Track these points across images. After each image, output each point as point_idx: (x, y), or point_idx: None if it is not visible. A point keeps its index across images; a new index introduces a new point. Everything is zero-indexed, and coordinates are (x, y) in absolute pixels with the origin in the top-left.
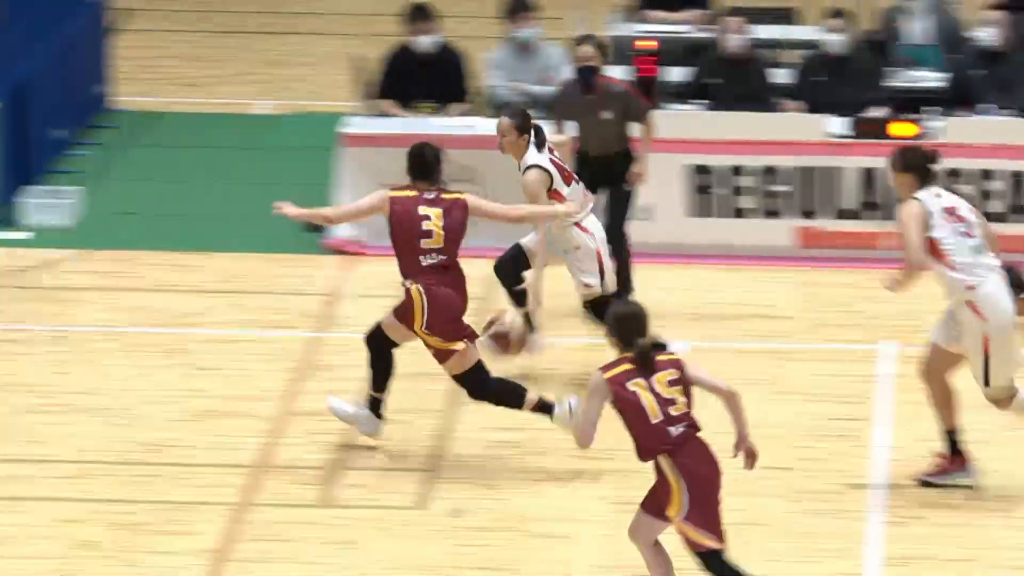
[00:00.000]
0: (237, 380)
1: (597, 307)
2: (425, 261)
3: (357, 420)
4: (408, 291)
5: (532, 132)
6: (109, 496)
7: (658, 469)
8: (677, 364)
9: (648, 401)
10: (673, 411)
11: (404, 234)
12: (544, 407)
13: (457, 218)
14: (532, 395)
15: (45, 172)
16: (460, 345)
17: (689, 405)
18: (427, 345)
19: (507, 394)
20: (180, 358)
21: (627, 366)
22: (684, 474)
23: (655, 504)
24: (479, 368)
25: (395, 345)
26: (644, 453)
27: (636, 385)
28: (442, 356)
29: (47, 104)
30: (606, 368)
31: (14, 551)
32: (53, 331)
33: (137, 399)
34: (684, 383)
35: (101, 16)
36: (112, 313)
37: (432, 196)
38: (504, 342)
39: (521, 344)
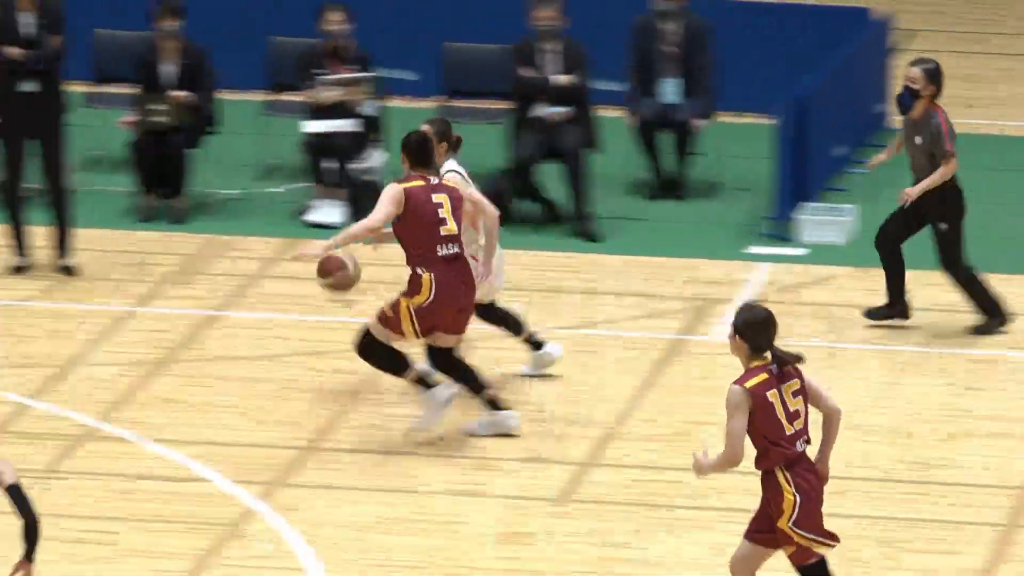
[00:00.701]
0: (1006, 399)
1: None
2: (442, 251)
3: None
4: (420, 277)
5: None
6: (867, 513)
7: (771, 480)
8: (800, 374)
9: (780, 412)
10: (797, 424)
11: (424, 225)
12: (423, 382)
13: (458, 205)
14: (415, 368)
15: (822, 189)
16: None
17: (807, 418)
18: (396, 314)
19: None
20: (946, 377)
21: (763, 375)
22: (798, 485)
23: (764, 522)
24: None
25: None
26: (766, 462)
27: (773, 396)
28: (390, 321)
29: (826, 121)
30: (744, 379)
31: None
32: (825, 347)
33: (902, 417)
34: (804, 394)
35: (885, 35)
36: (879, 331)
37: (436, 182)
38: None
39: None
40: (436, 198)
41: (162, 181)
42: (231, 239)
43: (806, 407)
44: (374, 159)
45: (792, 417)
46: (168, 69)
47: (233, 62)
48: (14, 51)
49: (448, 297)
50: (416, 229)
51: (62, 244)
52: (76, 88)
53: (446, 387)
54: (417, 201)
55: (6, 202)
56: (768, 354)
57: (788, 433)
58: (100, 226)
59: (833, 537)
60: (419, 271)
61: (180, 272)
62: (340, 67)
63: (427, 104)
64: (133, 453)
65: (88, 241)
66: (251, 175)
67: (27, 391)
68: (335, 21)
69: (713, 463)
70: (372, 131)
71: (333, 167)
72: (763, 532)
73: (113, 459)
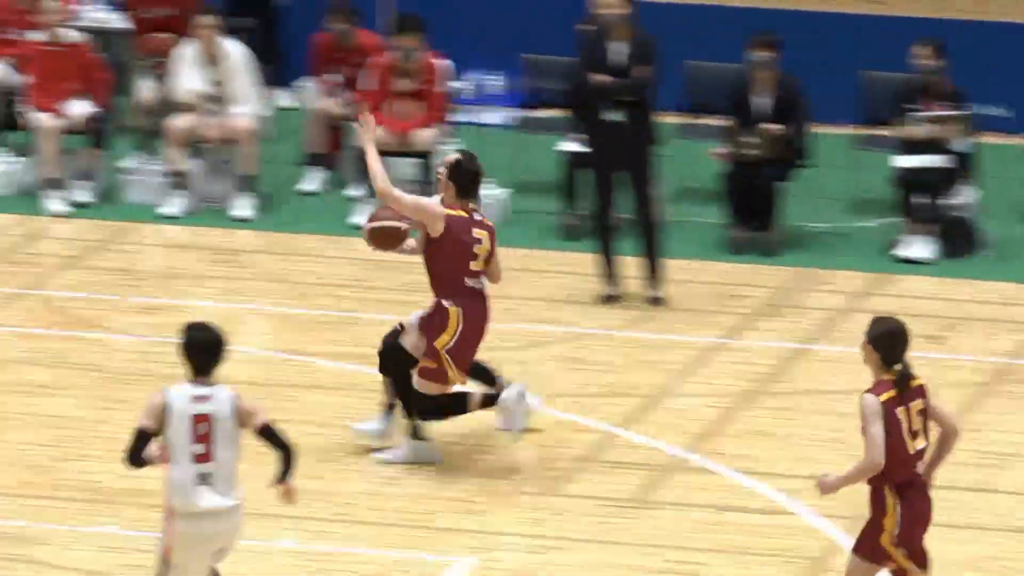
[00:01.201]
0: None
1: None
2: (469, 283)
3: None
4: (447, 310)
5: None
6: None
7: (879, 497)
8: (924, 393)
9: (905, 430)
10: (918, 443)
11: (457, 256)
12: (488, 401)
13: (494, 241)
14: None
15: None
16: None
17: (928, 438)
18: (438, 363)
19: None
20: None
21: (893, 392)
22: (906, 507)
23: (871, 536)
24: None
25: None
26: (880, 479)
27: (901, 413)
28: (435, 373)
29: None
30: (877, 391)
31: None
32: None
33: None
34: (926, 414)
35: None
36: None
37: (479, 218)
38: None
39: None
40: (477, 233)
41: (753, 213)
42: (821, 272)
43: (926, 427)
44: (965, 195)
45: (914, 436)
46: (761, 101)
47: (825, 95)
48: (603, 79)
49: (474, 331)
50: (449, 258)
51: (652, 275)
52: (669, 119)
53: (511, 388)
54: (457, 231)
55: (597, 232)
56: (898, 367)
57: (910, 452)
58: (690, 257)
59: (926, 564)
60: (445, 303)
61: (769, 304)
62: (933, 103)
63: (1020, 140)
64: (720, 484)
65: (678, 272)
66: (841, 209)
67: (617, 420)
68: (925, 56)
69: (845, 476)
70: (964, 168)
71: (924, 202)
72: (868, 547)
73: (700, 490)
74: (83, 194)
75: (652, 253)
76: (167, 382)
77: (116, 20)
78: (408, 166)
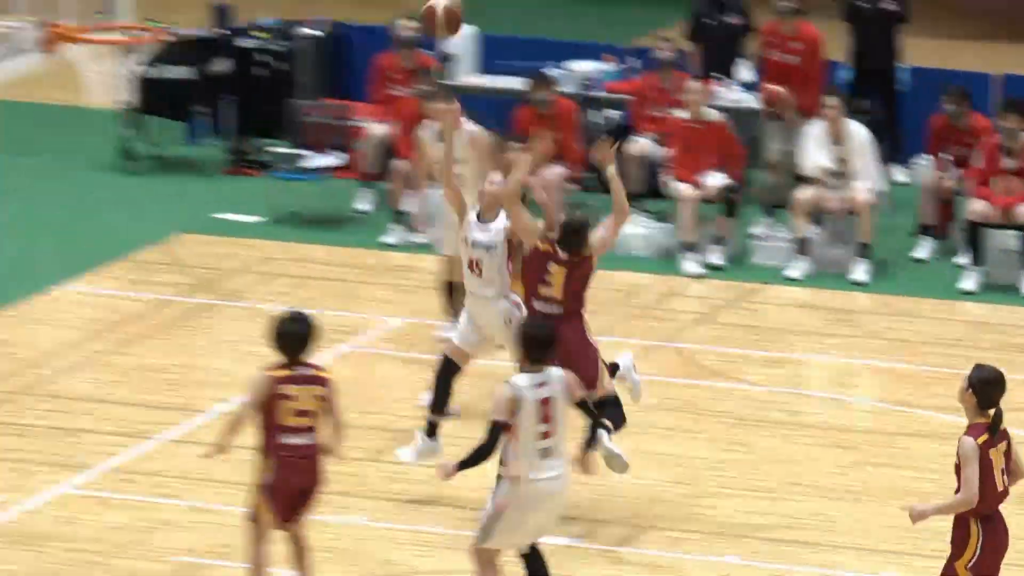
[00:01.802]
0: None
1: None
2: (538, 305)
3: None
4: None
5: None
6: None
7: (963, 523)
8: (1008, 436)
9: (997, 471)
10: (1006, 481)
11: (531, 272)
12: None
13: (573, 278)
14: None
15: None
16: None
17: (1012, 477)
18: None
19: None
20: None
21: (987, 435)
22: (987, 537)
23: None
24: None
25: None
26: (969, 512)
27: (994, 454)
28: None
29: None
30: (974, 434)
31: None
32: None
33: None
34: (1009, 455)
35: None
36: None
37: (565, 258)
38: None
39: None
40: (553, 268)
41: None
42: None
43: (1010, 466)
44: None
45: (1002, 474)
46: None
47: None
48: None
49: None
50: (526, 272)
51: None
52: None
53: (621, 359)
54: (540, 258)
55: None
56: (991, 412)
57: (999, 491)
58: None
59: None
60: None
61: None
62: None
63: None
64: None
65: None
66: None
67: None
68: None
69: (937, 507)
70: None
71: None
72: (944, 571)
73: None
74: (716, 257)
75: None
76: (786, 428)
77: (750, 100)
78: (1010, 238)
